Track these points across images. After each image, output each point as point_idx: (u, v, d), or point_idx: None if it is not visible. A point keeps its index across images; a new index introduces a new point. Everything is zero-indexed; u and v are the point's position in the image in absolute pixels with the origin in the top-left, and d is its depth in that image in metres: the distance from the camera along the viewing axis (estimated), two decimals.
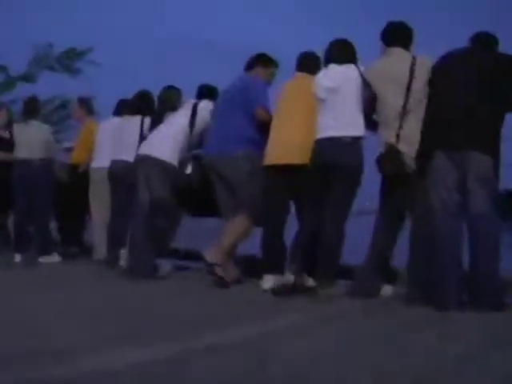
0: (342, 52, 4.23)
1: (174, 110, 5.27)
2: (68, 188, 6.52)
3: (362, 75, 4.04)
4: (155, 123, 5.30)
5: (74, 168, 6.62)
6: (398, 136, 3.75)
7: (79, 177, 6.45)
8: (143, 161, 5.07)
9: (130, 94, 5.92)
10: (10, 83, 12.50)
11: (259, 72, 4.76)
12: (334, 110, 4.08)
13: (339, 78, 4.09)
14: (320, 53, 4.48)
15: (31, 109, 6.55)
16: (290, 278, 4.06)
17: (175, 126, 5.08)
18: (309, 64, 4.54)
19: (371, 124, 4.12)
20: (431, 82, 3.75)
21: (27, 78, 12.50)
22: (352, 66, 4.16)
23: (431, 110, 3.68)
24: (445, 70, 3.70)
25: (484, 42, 3.74)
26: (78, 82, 11.96)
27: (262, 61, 4.82)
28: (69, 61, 11.93)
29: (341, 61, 4.18)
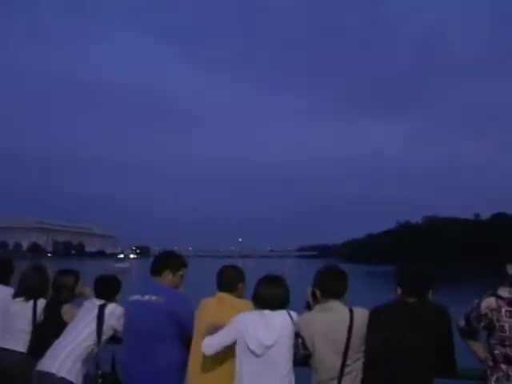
0: (274, 294, 3.83)
1: (70, 298, 4.75)
2: None
3: (294, 328, 3.74)
4: (50, 311, 4.68)
5: None
6: None
7: None
8: (42, 380, 4.26)
9: None
10: None
11: (168, 277, 4.29)
12: (266, 368, 3.66)
13: (276, 333, 3.68)
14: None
15: None
16: None
17: (79, 335, 4.37)
18: (232, 282, 4.18)
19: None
20: (368, 338, 3.64)
21: None
22: (286, 317, 3.76)
23: (371, 371, 3.57)
24: (381, 326, 3.61)
25: (413, 288, 3.66)
26: None
27: (171, 264, 4.35)
28: None
29: (274, 305, 3.78)
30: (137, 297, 4.23)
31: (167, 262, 4.37)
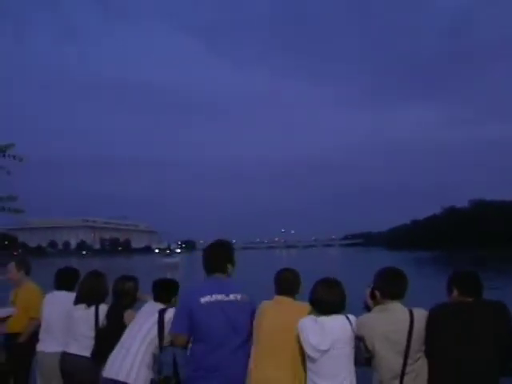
0: (332, 299, 3.85)
1: (132, 304, 4.87)
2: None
3: (354, 331, 3.78)
4: (113, 316, 4.79)
5: (12, 337, 5.73)
6: None
7: (20, 350, 5.59)
8: None
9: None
10: None
11: (229, 271, 4.19)
12: (325, 370, 3.73)
13: (332, 338, 3.72)
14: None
15: None
16: None
17: (142, 341, 4.32)
18: (290, 286, 4.19)
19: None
20: (430, 338, 3.68)
21: None
22: (344, 321, 3.79)
23: (439, 368, 3.62)
24: (445, 326, 3.64)
25: (470, 288, 3.71)
26: None
27: (229, 257, 4.24)
28: None
29: (331, 309, 3.82)
30: (220, 296, 4.02)
31: (227, 254, 4.23)
